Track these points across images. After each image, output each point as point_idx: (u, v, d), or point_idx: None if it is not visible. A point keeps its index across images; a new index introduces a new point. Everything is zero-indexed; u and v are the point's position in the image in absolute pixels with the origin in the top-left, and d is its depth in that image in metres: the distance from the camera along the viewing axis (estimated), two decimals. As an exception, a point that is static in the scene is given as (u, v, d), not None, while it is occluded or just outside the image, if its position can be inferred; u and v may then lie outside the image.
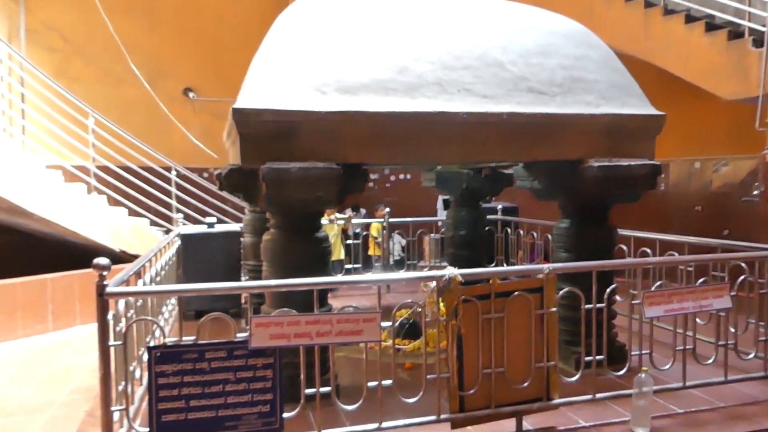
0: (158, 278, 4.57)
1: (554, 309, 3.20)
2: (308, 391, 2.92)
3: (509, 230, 7.54)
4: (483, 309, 3.07)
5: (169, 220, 8.56)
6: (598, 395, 3.35)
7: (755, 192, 8.87)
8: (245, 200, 3.59)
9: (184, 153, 9.66)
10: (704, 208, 9.24)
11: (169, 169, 8.83)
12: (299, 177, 3.29)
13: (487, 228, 6.82)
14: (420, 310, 3.04)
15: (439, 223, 8.74)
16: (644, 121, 4.05)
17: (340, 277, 2.76)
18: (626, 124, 4.01)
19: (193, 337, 2.75)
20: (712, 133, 9.00)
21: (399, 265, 8.31)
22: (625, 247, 5.33)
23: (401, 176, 11.30)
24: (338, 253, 7.69)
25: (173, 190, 8.71)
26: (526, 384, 3.18)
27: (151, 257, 4.20)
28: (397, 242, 8.71)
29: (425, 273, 2.86)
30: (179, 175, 8.93)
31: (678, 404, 3.52)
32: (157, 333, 3.84)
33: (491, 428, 3.20)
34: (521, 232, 7.32)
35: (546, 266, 3.17)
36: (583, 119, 3.90)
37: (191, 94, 10.52)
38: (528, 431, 3.24)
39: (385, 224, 7.34)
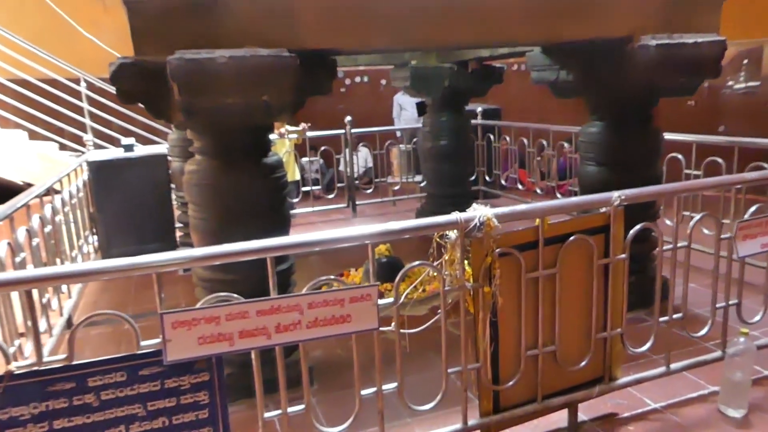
0: (49, 228, 3.34)
1: (623, 255, 2.19)
2: (269, 414, 1.86)
3: (492, 137, 6.47)
4: (528, 264, 2.03)
5: (83, 142, 7.08)
6: (673, 365, 2.42)
7: (753, 83, 7.98)
8: (151, 113, 2.35)
9: (95, 61, 7.89)
10: (698, 102, 8.34)
11: (77, 81, 7.23)
12: (231, 72, 2.07)
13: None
14: (434, 274, 1.96)
15: (398, 134, 7.60)
16: (712, -20, 2.92)
17: (310, 235, 1.63)
18: (689, -15, 2.87)
19: (62, 356, 1.62)
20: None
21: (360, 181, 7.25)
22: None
23: (357, 79, 9.93)
24: (292, 174, 6.49)
25: (85, 106, 7.16)
26: (583, 363, 2.22)
27: (18, 208, 2.93)
28: (363, 156, 7.56)
29: (442, 218, 1.74)
30: (92, 88, 7.35)
31: None
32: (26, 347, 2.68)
33: (535, 424, 2.27)
34: (507, 138, 6.26)
35: (615, 194, 2.12)
36: (635, -22, 2.75)
37: (100, -12, 8.64)
38: (583, 423, 2.32)
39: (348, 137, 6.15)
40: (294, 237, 1.80)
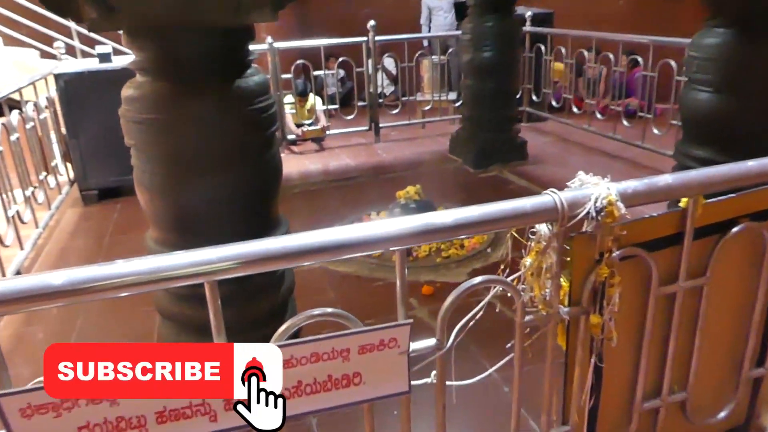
0: None
1: (809, 252, 1.34)
2: None
3: (543, 48, 5.40)
4: (663, 272, 1.21)
5: (70, 50, 6.19)
6: None
7: None
8: (49, 8, 1.49)
9: (83, -48, 6.91)
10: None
11: (60, -24, 6.24)
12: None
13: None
14: (507, 292, 1.15)
15: (424, 42, 6.50)
16: None
17: (297, 239, 0.80)
18: None
19: None
20: None
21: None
22: None
23: (383, -22, 8.68)
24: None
25: (69, 6, 6.22)
26: (723, 414, 1.44)
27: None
28: (388, 68, 6.58)
29: (528, 202, 0.87)
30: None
31: None
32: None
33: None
34: (562, 50, 5.19)
35: (817, 154, 1.25)
36: None
37: None
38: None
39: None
40: (262, 243, 0.97)
